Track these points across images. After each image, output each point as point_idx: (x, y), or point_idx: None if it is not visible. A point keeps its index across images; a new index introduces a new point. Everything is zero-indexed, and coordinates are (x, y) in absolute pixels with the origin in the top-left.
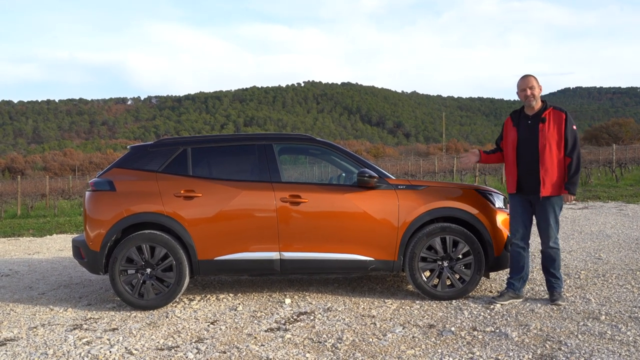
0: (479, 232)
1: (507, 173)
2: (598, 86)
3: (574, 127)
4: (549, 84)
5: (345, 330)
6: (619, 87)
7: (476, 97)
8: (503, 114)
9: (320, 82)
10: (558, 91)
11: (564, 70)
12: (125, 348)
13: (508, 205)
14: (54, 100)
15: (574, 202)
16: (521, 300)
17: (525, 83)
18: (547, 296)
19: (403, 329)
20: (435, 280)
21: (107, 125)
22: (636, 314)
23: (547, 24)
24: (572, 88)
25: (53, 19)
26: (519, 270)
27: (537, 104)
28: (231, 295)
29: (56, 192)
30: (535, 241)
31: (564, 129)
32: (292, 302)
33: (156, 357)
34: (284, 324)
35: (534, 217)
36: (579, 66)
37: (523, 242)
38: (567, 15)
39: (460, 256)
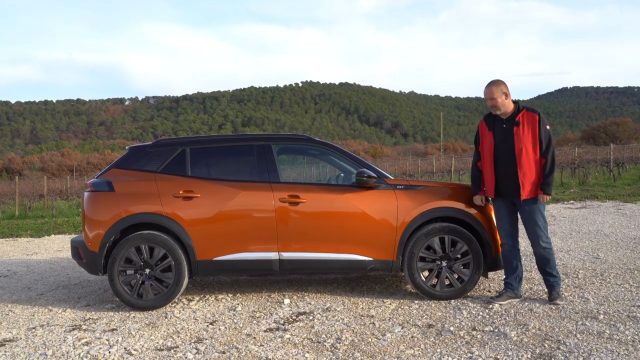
0: (477, 232)
1: (485, 177)
2: (595, 86)
3: (548, 127)
4: (546, 84)
5: (344, 330)
6: (617, 87)
7: (474, 97)
8: None
9: (318, 82)
10: (556, 90)
11: (562, 69)
12: (125, 348)
13: None
14: (51, 101)
15: (548, 201)
16: (519, 299)
17: (487, 94)
18: (545, 296)
19: (402, 328)
20: (434, 280)
21: (104, 125)
22: (634, 313)
23: (545, 24)
24: (570, 87)
25: (50, 20)
26: (513, 269)
27: (509, 108)
28: (230, 295)
29: (54, 192)
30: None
31: (537, 130)
32: (291, 302)
33: (155, 358)
34: (283, 324)
35: (519, 217)
36: (577, 66)
37: (512, 241)
38: (565, 15)
39: (458, 256)
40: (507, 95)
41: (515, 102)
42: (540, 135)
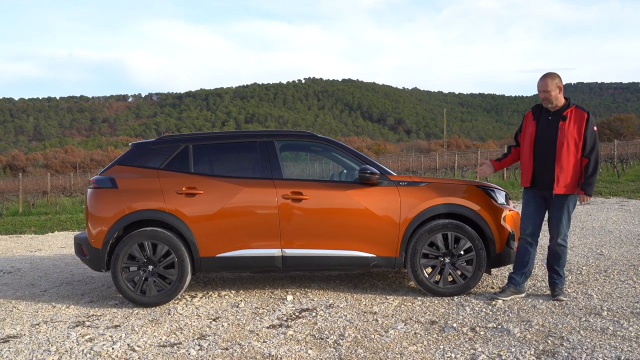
0: (480, 229)
1: (522, 167)
2: (599, 82)
3: (595, 128)
4: None
5: (347, 327)
6: (621, 83)
7: (477, 93)
8: (504, 110)
9: (321, 79)
10: None
11: (565, 65)
12: (128, 345)
13: (510, 201)
14: (54, 98)
15: (589, 202)
16: (523, 295)
17: (541, 86)
18: (549, 292)
19: (405, 325)
20: (437, 277)
21: (108, 122)
22: (638, 310)
23: (547, 19)
24: (574, 84)
25: (51, 17)
26: (523, 265)
27: (559, 102)
28: (233, 292)
29: (57, 189)
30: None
31: (584, 129)
32: (294, 298)
33: (158, 354)
34: (286, 321)
35: (545, 215)
36: (580, 62)
37: (532, 238)
38: (568, 10)
39: (462, 252)
40: (560, 89)
41: (566, 98)
42: (586, 134)
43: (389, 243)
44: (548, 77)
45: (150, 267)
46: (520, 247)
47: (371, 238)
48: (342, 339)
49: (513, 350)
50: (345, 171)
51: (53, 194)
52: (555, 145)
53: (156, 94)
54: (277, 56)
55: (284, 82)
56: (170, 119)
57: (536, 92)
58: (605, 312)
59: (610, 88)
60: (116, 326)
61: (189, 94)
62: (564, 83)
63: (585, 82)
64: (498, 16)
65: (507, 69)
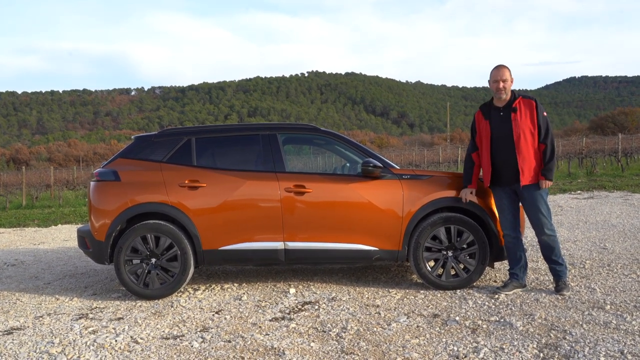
0: (483, 222)
1: (483, 167)
2: (604, 75)
3: (545, 113)
4: (554, 73)
5: (350, 320)
6: (625, 76)
7: (481, 86)
8: None
9: (324, 72)
10: (564, 80)
11: (570, 58)
12: (131, 337)
13: None
14: (57, 91)
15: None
16: (525, 288)
17: (499, 74)
18: (551, 286)
19: (407, 318)
20: (440, 270)
21: (111, 116)
22: None
23: (552, 11)
24: (578, 77)
25: (54, 10)
26: (517, 260)
27: (509, 95)
28: (236, 285)
29: (61, 182)
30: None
31: (536, 116)
32: (296, 291)
33: (161, 346)
34: (289, 314)
35: (520, 206)
36: (585, 55)
37: (514, 232)
38: (573, 2)
39: (464, 246)
40: (512, 81)
41: (511, 90)
42: (539, 121)
43: (391, 236)
44: (504, 67)
45: (153, 260)
46: (507, 244)
47: (374, 231)
48: (344, 332)
49: (515, 343)
50: (348, 164)
51: (56, 187)
52: (512, 139)
53: (159, 87)
54: (280, 49)
55: (287, 75)
56: (173, 112)
57: (540, 86)
58: (609, 306)
59: (615, 81)
60: (119, 318)
61: (192, 88)
62: (568, 76)
63: (589, 75)
64: (504, 8)
65: (512, 62)
